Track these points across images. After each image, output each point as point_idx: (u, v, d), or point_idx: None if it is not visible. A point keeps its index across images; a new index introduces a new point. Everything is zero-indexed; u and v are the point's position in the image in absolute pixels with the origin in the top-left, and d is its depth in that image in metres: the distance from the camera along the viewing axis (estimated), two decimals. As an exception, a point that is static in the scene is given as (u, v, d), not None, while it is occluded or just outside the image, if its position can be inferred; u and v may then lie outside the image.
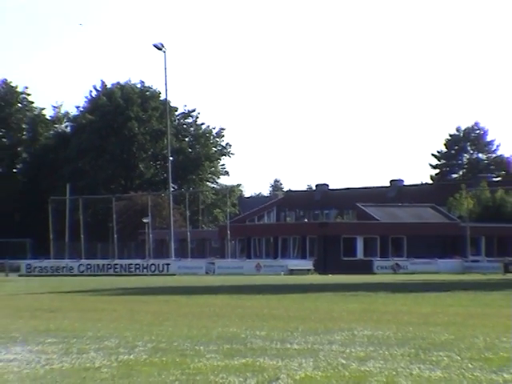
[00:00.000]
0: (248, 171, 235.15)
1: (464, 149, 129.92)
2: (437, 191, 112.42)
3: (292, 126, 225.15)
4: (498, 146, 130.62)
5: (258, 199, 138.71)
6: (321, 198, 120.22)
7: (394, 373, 12.15)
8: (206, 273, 71.71)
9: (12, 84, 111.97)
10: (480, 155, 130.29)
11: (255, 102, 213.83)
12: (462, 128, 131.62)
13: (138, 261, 77.87)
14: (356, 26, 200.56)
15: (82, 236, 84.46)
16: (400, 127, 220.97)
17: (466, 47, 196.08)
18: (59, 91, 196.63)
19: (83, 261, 78.02)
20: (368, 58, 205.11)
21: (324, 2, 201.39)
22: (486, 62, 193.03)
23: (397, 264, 78.46)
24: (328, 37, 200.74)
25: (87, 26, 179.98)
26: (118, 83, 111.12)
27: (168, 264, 74.69)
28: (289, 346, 15.73)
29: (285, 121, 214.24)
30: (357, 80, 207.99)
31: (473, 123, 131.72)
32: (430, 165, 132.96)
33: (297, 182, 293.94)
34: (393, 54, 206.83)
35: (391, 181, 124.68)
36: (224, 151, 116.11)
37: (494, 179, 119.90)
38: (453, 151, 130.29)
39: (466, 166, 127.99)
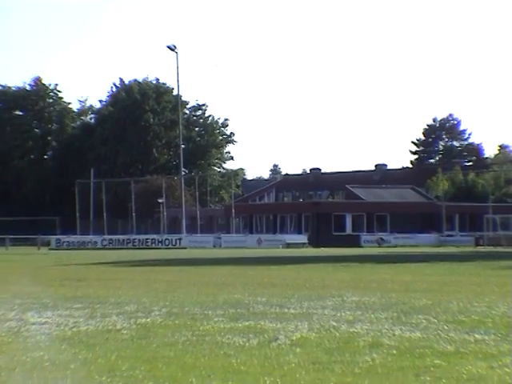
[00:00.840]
0: (250, 157, 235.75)
1: (440, 137, 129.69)
2: (416, 174, 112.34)
3: (289, 117, 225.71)
4: (469, 135, 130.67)
5: (258, 182, 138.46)
6: (314, 180, 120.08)
7: (379, 334, 12.18)
8: (214, 246, 71.70)
9: (43, 81, 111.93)
10: (454, 143, 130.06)
11: (256, 96, 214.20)
12: (438, 118, 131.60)
13: (153, 236, 77.90)
14: (347, 23, 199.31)
15: (104, 214, 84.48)
16: (384, 118, 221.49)
17: (443, 48, 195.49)
18: (85, 87, 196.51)
19: (105, 236, 78.05)
20: (356, 54, 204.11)
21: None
22: (460, 60, 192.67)
23: (381, 238, 78.45)
24: (316, 33, 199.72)
25: (107, 29, 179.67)
26: (136, 80, 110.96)
27: (180, 239, 74.72)
28: (286, 310, 15.75)
29: (282, 112, 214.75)
30: (346, 77, 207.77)
31: (447, 114, 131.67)
32: (410, 151, 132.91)
33: (293, 166, 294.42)
34: (381, 51, 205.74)
35: (376, 165, 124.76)
36: (229, 139, 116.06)
37: (466, 164, 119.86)
38: (430, 139, 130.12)
39: (441, 152, 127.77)
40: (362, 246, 72.56)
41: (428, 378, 8.65)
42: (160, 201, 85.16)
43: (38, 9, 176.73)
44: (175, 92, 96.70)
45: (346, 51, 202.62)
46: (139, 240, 75.02)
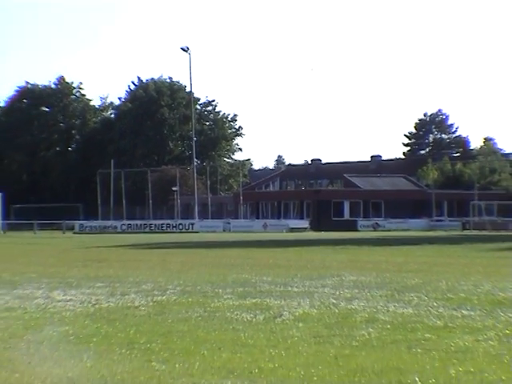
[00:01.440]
0: (257, 148, 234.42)
1: (430, 130, 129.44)
2: (408, 164, 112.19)
3: (292, 112, 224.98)
4: (457, 128, 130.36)
5: (264, 171, 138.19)
6: (315, 170, 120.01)
7: (375, 310, 12.19)
8: (223, 230, 71.67)
9: (67, 80, 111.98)
10: (443, 136, 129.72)
11: (262, 93, 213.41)
12: (428, 113, 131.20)
13: (168, 221, 77.91)
14: (346, 21, 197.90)
15: (123, 201, 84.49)
16: (379, 113, 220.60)
17: (434, 49, 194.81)
18: (106, 85, 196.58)
19: (125, 221, 78.09)
20: (353, 55, 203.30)
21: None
22: (450, 60, 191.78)
23: (376, 223, 78.37)
24: (314, 32, 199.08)
25: (126, 32, 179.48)
26: (152, 79, 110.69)
27: (193, 223, 74.72)
28: (290, 288, 15.76)
29: (286, 107, 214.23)
30: (346, 77, 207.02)
31: (437, 110, 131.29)
32: (403, 143, 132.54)
33: (296, 157, 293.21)
34: (376, 52, 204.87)
35: (372, 156, 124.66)
36: (237, 133, 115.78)
37: (454, 155, 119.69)
38: (421, 132, 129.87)
39: (431, 145, 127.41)
40: (358, 230, 72.44)
41: (419, 350, 8.67)
42: (174, 189, 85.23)
43: (62, 12, 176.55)
44: (188, 89, 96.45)
45: (343, 52, 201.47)
46: (155, 225, 75.02)
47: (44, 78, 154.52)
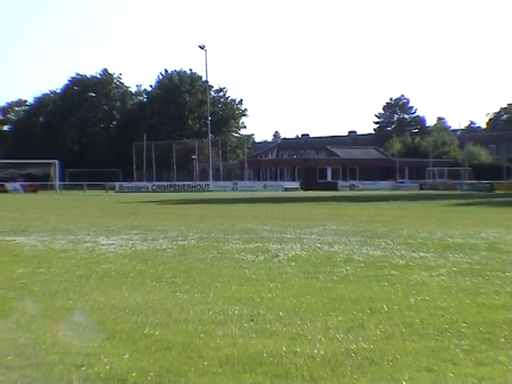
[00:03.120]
0: (258, 125, 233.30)
1: (394, 111, 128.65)
2: (378, 138, 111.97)
3: (286, 96, 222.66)
4: (415, 110, 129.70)
5: (264, 144, 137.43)
6: (304, 143, 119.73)
7: (351, 252, 12.21)
8: (232, 190, 71.66)
9: (109, 71, 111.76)
10: (405, 115, 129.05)
11: (263, 81, 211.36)
12: (394, 98, 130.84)
13: (188, 182, 77.81)
14: (328, 15, 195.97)
15: (153, 167, 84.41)
16: (355, 97, 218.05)
17: (400, 43, 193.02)
18: (140, 75, 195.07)
19: (154, 183, 78.06)
20: (334, 45, 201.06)
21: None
22: (412, 53, 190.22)
23: (352, 184, 78.31)
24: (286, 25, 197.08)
25: (158, 32, 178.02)
26: (175, 70, 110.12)
27: (208, 184, 74.68)
28: (284, 235, 15.78)
29: (282, 92, 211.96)
30: (328, 64, 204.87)
31: (400, 95, 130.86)
32: (374, 122, 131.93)
33: (289, 132, 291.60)
34: (354, 43, 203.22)
35: (349, 132, 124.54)
36: (243, 113, 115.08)
37: (413, 131, 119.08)
38: (387, 113, 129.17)
39: (396, 122, 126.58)
40: (338, 190, 72.38)
41: (386, 284, 8.68)
42: (193, 157, 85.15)
43: (104, 14, 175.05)
44: (204, 79, 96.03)
45: (328, 45, 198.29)
46: (178, 185, 74.95)
47: (91, 69, 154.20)
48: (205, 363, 5.16)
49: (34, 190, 69.53)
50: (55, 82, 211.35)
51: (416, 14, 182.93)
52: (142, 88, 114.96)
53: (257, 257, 11.55)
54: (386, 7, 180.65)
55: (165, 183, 77.96)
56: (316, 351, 5.46)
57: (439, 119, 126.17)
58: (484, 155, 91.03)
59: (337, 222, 20.27)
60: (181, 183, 77.18)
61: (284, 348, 5.56)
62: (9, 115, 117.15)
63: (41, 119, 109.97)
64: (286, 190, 70.35)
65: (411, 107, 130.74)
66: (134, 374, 4.92)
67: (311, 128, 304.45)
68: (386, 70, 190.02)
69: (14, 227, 18.80)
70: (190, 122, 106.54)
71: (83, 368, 5.09)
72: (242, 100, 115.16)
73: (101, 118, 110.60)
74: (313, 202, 38.41)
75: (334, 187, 74.02)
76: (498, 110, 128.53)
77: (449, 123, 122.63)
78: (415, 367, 5.05)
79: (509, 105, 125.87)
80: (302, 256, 11.64)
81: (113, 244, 13.94)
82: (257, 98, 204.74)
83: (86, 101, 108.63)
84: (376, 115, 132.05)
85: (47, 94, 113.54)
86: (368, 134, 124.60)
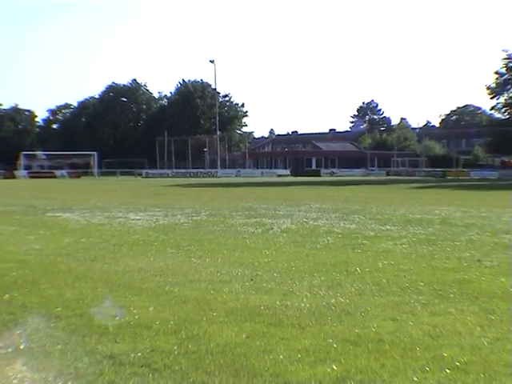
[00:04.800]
0: (257, 124, 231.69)
1: (366, 113, 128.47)
2: (353, 135, 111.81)
3: (280, 99, 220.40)
4: (383, 112, 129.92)
5: (261, 139, 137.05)
6: (294, 138, 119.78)
7: (331, 226, 12.20)
8: (236, 176, 71.50)
9: (138, 81, 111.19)
10: (374, 116, 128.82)
11: (262, 87, 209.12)
12: (365, 102, 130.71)
13: (201, 170, 77.55)
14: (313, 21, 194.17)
15: (173, 157, 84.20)
16: (335, 101, 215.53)
17: (368, 54, 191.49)
18: (163, 84, 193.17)
19: (173, 170, 77.77)
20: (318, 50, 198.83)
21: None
22: (381, 64, 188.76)
23: (332, 171, 78.11)
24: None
25: (175, 49, 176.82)
26: (190, 80, 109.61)
27: (216, 171, 74.45)
28: (278, 212, 15.77)
29: (276, 97, 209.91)
30: (314, 69, 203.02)
31: (371, 99, 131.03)
32: (350, 121, 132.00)
33: (282, 129, 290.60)
34: (331, 54, 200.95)
35: (330, 129, 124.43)
36: (244, 114, 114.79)
37: (381, 129, 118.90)
38: (360, 114, 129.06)
39: (367, 122, 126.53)
40: (321, 176, 72.29)
41: (359, 251, 8.67)
42: (205, 150, 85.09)
43: (134, 35, 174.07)
44: (213, 87, 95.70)
45: (316, 50, 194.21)
46: (193, 172, 74.72)
47: (123, 79, 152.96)
48: (214, 314, 5.16)
49: (78, 176, 69.61)
50: (95, 89, 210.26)
51: (385, 33, 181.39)
52: (163, 94, 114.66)
53: (255, 229, 11.54)
54: (358, 27, 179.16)
55: (182, 170, 77.81)
56: (303, 304, 5.45)
57: (402, 119, 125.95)
58: (437, 148, 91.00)
59: (320, 201, 20.27)
60: (194, 170, 77.05)
61: (277, 302, 5.55)
62: (57, 116, 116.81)
63: (83, 119, 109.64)
64: (279, 176, 70.31)
65: (379, 109, 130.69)
66: (157, 323, 4.92)
67: (300, 126, 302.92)
68: (360, 79, 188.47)
69: (62, 206, 18.79)
70: (202, 122, 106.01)
71: (117, 318, 5.09)
72: (243, 104, 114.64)
73: (130, 118, 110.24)
74: (300, 186, 38.41)
75: (317, 174, 73.94)
76: (448, 112, 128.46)
77: (409, 122, 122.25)
78: (382, 317, 5.05)
79: (457, 108, 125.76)
80: (291, 229, 11.64)
81: (140, 219, 13.93)
82: (256, 101, 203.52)
83: (119, 104, 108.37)
84: (351, 116, 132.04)
85: (88, 99, 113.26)
86: (345, 131, 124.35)
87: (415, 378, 3.74)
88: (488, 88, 70.30)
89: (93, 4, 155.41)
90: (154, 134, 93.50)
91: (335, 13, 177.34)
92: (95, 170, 74.79)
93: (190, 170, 77.29)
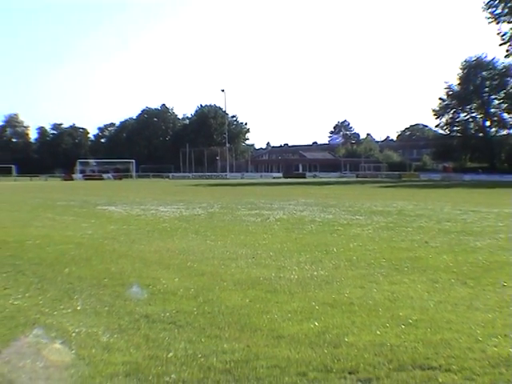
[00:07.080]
0: (257, 138, 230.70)
1: (340, 130, 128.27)
2: (331, 146, 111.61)
3: (275, 118, 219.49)
4: (353, 128, 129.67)
5: (261, 150, 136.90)
6: (285, 149, 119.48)
7: (314, 216, 12.14)
8: (241, 178, 71.48)
9: (166, 105, 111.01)
10: (347, 132, 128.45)
11: (262, 107, 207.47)
12: (340, 121, 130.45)
13: (214, 173, 77.61)
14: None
15: (193, 164, 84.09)
16: (316, 119, 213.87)
17: (342, 77, 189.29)
18: (185, 107, 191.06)
19: (193, 173, 77.85)
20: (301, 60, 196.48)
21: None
22: (353, 87, 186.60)
23: (315, 174, 77.99)
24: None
25: (194, 79, 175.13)
26: (206, 105, 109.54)
27: (226, 174, 74.36)
28: (273, 205, 15.70)
29: (272, 115, 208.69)
30: (299, 84, 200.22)
31: (344, 119, 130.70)
32: (328, 136, 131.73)
33: (276, 142, 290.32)
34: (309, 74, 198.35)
35: (313, 142, 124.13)
36: (247, 131, 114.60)
37: (352, 142, 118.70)
38: (336, 130, 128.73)
39: (342, 137, 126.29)
40: (306, 178, 72.20)
41: (335, 235, 8.64)
42: (217, 158, 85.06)
43: (164, 65, 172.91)
44: (223, 109, 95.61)
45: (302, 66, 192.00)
46: (208, 175, 74.59)
47: (154, 104, 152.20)
48: (224, 284, 5.16)
49: (120, 178, 69.58)
50: (133, 111, 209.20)
51: (358, 67, 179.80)
52: (186, 116, 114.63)
53: (256, 219, 11.52)
54: (333, 61, 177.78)
55: (199, 174, 77.68)
56: (292, 276, 5.45)
57: (368, 134, 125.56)
58: (395, 156, 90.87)
59: (305, 197, 20.25)
60: (209, 174, 76.90)
61: (273, 274, 5.55)
62: (104, 132, 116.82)
63: (124, 135, 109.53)
64: (274, 178, 70.18)
65: (351, 127, 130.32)
66: (181, 290, 4.91)
67: (290, 139, 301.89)
68: (336, 103, 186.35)
69: (108, 201, 18.77)
70: (215, 136, 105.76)
71: (150, 286, 5.09)
72: (246, 122, 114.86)
73: (160, 134, 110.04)
74: (290, 186, 38.36)
75: (303, 176, 73.83)
76: (403, 128, 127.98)
77: (373, 137, 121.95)
78: (353, 286, 5.05)
79: (410, 125, 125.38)
80: (284, 218, 11.62)
81: (167, 211, 13.90)
82: (256, 120, 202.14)
83: (152, 124, 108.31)
84: (329, 132, 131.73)
85: (128, 119, 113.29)
86: (325, 144, 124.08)
87: (378, 332, 3.74)
88: (433, 110, 71.72)
89: (143, 48, 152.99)
90: (179, 146, 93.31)
91: (314, 48, 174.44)
92: (133, 174, 74.89)
93: (206, 174, 77.16)
